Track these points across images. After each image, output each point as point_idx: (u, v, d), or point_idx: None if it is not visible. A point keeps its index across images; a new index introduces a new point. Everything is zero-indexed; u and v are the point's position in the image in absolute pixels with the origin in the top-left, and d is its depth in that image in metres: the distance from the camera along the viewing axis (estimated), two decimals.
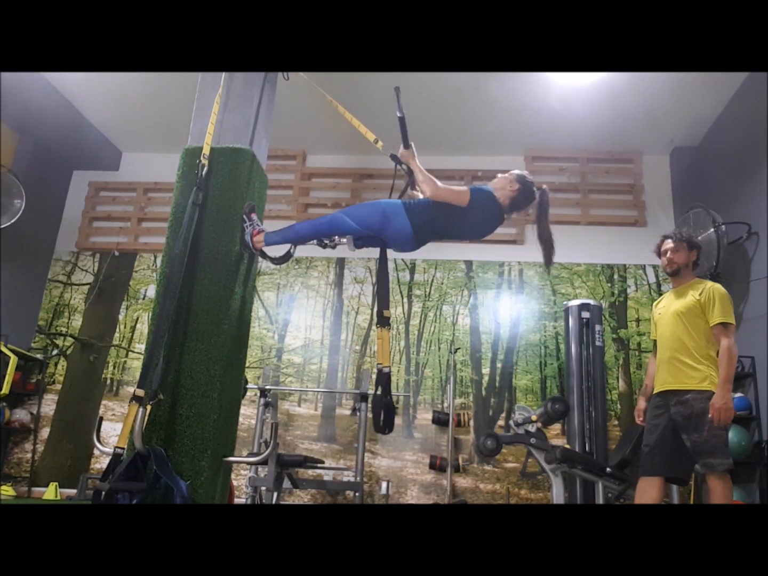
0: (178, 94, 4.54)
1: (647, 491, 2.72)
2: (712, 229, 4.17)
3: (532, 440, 3.31)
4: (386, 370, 2.45)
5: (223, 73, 2.84)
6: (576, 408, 4.19)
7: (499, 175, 2.58)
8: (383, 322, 2.50)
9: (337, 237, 2.64)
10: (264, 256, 2.75)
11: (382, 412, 2.43)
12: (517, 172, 2.57)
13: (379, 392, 2.44)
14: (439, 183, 2.46)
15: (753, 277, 4.12)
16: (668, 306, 2.93)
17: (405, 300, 5.25)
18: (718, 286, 2.82)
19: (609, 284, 5.07)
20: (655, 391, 2.87)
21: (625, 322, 4.97)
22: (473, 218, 2.49)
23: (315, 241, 2.67)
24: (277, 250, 2.76)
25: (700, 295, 2.80)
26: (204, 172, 2.62)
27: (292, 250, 2.80)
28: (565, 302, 4.63)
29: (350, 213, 2.53)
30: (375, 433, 4.83)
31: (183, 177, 2.71)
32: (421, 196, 2.67)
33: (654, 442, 2.76)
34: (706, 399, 2.63)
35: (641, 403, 3.01)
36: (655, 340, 3.02)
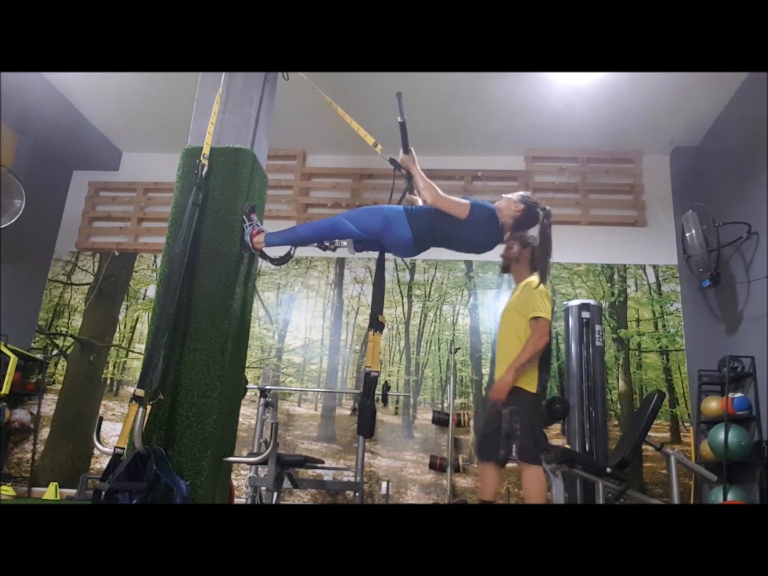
0: (178, 94, 4.54)
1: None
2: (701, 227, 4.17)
3: None
4: (374, 374, 2.43)
5: (223, 73, 2.84)
6: (576, 408, 4.19)
7: (503, 196, 2.65)
8: (377, 326, 2.50)
9: (337, 240, 2.65)
10: (264, 256, 2.75)
11: (370, 416, 2.43)
12: (521, 192, 2.67)
13: (366, 396, 2.43)
14: (440, 191, 2.47)
15: (753, 277, 4.12)
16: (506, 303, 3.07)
17: (405, 300, 5.25)
18: (533, 281, 2.89)
19: (609, 284, 5.07)
20: None
21: (625, 322, 4.97)
22: (472, 232, 2.51)
23: (315, 244, 2.68)
24: (277, 251, 2.77)
25: (520, 292, 2.95)
26: (204, 172, 2.62)
27: (292, 252, 2.80)
28: (565, 302, 4.64)
29: (351, 217, 2.53)
30: (375, 433, 4.87)
31: (183, 177, 2.71)
32: (420, 201, 2.67)
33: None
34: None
35: None
36: None
